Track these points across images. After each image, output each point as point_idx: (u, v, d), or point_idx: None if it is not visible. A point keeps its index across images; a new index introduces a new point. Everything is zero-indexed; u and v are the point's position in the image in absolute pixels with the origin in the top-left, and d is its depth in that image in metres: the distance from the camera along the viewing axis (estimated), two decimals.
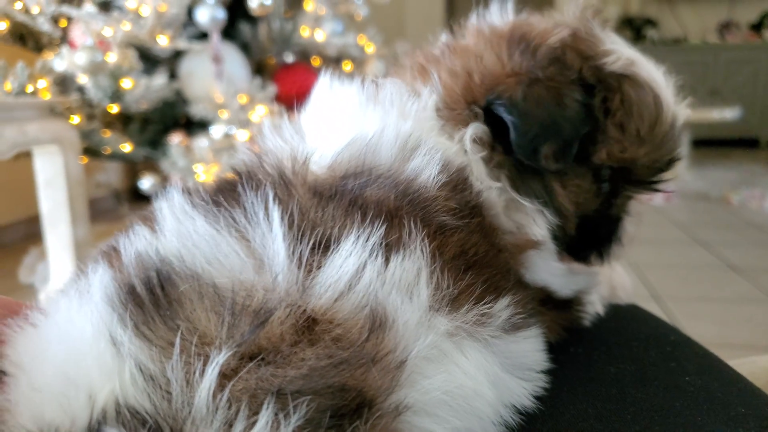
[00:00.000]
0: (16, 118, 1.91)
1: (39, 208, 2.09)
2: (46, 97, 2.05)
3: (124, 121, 2.34)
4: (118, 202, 3.92)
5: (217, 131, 2.19)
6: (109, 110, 2.20)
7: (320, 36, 2.66)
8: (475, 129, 0.55)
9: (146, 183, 2.36)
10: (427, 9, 6.56)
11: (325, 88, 0.61)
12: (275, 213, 0.41)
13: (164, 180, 2.38)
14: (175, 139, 2.26)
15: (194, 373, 0.33)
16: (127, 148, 2.31)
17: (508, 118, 0.54)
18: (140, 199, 2.98)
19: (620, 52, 0.59)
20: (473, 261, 0.47)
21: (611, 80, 0.57)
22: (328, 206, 0.44)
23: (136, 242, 0.40)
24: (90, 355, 0.33)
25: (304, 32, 2.61)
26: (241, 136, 2.19)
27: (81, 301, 0.36)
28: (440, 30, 0.67)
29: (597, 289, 0.69)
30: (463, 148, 0.54)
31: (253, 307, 0.36)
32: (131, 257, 0.39)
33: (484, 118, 0.56)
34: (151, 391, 0.32)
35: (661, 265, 2.87)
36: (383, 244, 0.41)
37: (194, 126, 2.37)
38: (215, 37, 2.26)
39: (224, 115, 2.21)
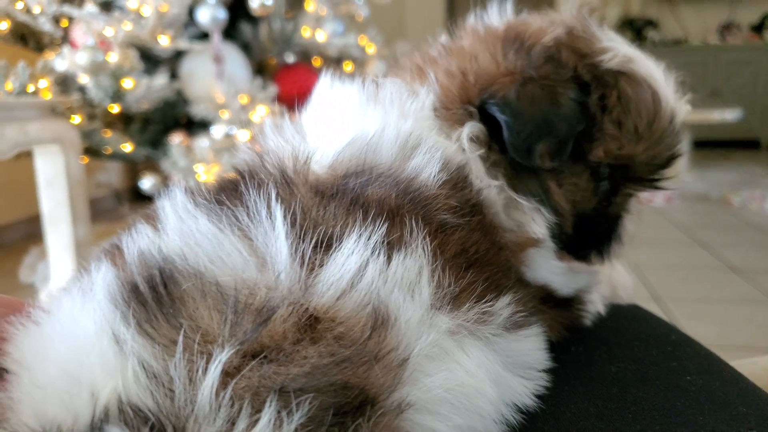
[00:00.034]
0: (17, 117, 1.91)
1: (40, 208, 2.10)
2: (47, 96, 2.06)
3: (125, 121, 2.34)
4: (119, 202, 3.92)
5: (217, 131, 2.19)
6: (110, 110, 2.21)
7: (321, 36, 2.66)
8: (472, 128, 0.55)
9: (147, 183, 2.36)
10: (427, 9, 6.57)
11: (326, 88, 0.61)
12: (278, 211, 0.41)
13: (165, 180, 2.38)
14: (176, 139, 2.26)
15: (197, 371, 0.33)
16: (127, 148, 2.31)
17: (501, 117, 0.55)
18: (141, 199, 2.98)
19: (617, 50, 0.59)
20: (474, 259, 0.47)
21: (608, 77, 0.57)
22: (329, 205, 0.44)
23: (139, 241, 0.40)
24: (93, 352, 0.33)
25: (305, 32, 2.62)
26: (242, 136, 2.19)
27: (84, 299, 0.37)
28: (441, 30, 0.67)
29: (598, 288, 0.69)
30: (461, 146, 0.54)
31: (256, 306, 0.36)
32: (134, 255, 0.39)
33: (480, 117, 0.56)
34: (153, 389, 0.32)
35: (661, 266, 2.87)
36: (385, 242, 0.42)
37: (195, 126, 2.37)
38: (216, 37, 2.26)
39: (225, 115, 2.21)
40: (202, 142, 2.19)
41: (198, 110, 2.29)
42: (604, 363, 0.59)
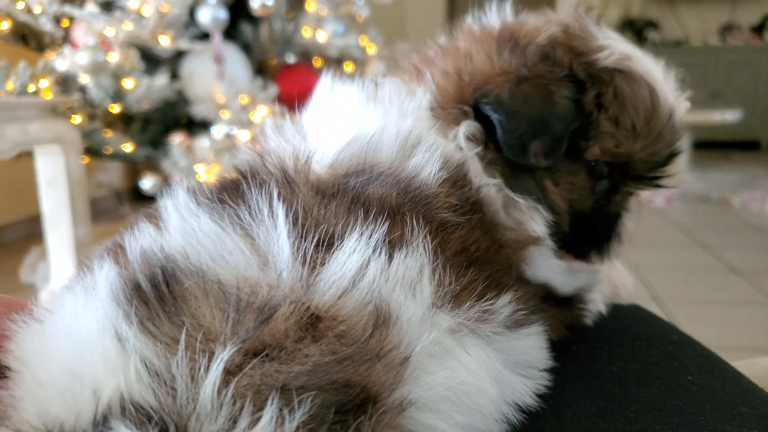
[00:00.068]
0: (18, 117, 1.91)
1: (40, 208, 2.10)
2: (48, 96, 2.06)
3: (126, 121, 2.34)
4: (119, 202, 3.93)
5: (218, 131, 2.20)
6: (110, 110, 2.21)
7: (322, 37, 2.66)
8: (468, 126, 0.56)
9: (147, 183, 2.37)
10: (428, 10, 6.57)
11: (326, 88, 0.61)
12: (280, 210, 0.41)
13: (165, 180, 2.38)
14: (177, 139, 2.26)
15: (199, 369, 0.33)
16: (128, 148, 2.31)
17: (494, 116, 0.55)
18: (141, 199, 2.98)
19: (614, 48, 0.59)
20: (475, 257, 0.47)
21: (604, 75, 0.57)
22: (330, 204, 0.44)
23: (142, 239, 0.40)
24: (95, 350, 0.33)
25: (306, 33, 2.62)
26: (243, 136, 2.20)
27: (86, 297, 0.37)
28: (441, 31, 0.67)
29: (599, 288, 0.69)
30: (459, 145, 0.55)
31: (258, 304, 0.36)
32: (136, 254, 0.39)
33: (475, 116, 0.56)
34: (156, 387, 0.32)
35: (661, 267, 2.87)
36: (386, 241, 0.42)
37: (195, 126, 2.38)
38: (217, 38, 2.26)
39: (225, 115, 2.22)
40: (202, 143, 2.19)
41: (198, 110, 2.29)
42: (605, 362, 0.59)
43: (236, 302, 0.35)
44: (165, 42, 2.23)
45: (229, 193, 0.45)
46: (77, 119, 2.17)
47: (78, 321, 0.35)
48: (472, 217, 0.49)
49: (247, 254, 0.39)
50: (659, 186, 0.63)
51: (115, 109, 2.19)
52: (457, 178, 0.51)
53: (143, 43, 2.20)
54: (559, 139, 0.55)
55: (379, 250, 0.41)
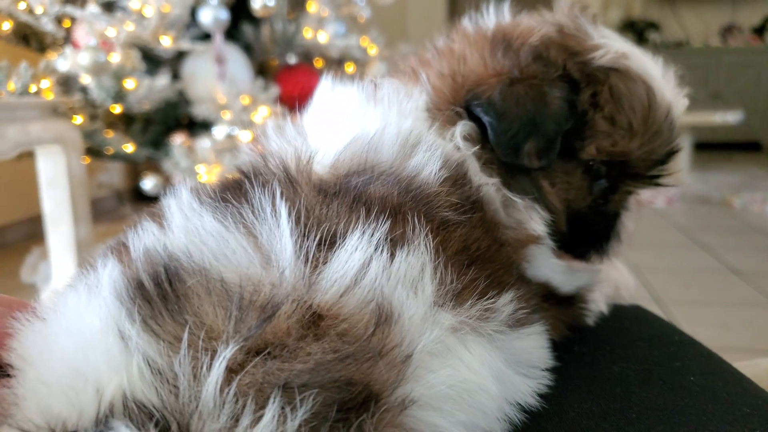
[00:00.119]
0: (19, 117, 1.91)
1: (41, 208, 2.10)
2: (49, 97, 2.06)
3: (127, 122, 2.34)
4: (120, 203, 3.93)
5: (219, 132, 2.20)
6: (111, 110, 2.21)
7: (323, 37, 2.67)
8: (464, 126, 0.56)
9: (148, 183, 2.37)
10: (429, 11, 6.58)
11: (327, 89, 0.62)
12: (282, 209, 0.41)
13: (166, 180, 2.38)
14: (178, 139, 2.26)
15: (201, 367, 0.33)
16: (129, 148, 2.32)
17: (485, 118, 0.55)
18: (142, 199, 2.98)
19: (610, 46, 0.59)
20: (476, 256, 0.47)
21: (598, 74, 0.57)
22: (332, 203, 0.44)
23: (145, 238, 0.40)
24: (98, 349, 0.33)
25: (307, 34, 2.62)
26: (244, 137, 2.20)
27: (90, 295, 0.37)
28: (442, 32, 0.67)
29: (600, 288, 0.69)
30: (457, 145, 0.55)
31: (260, 302, 0.36)
32: (140, 253, 0.39)
33: (470, 116, 0.57)
34: (158, 386, 0.32)
35: (662, 269, 2.87)
36: (388, 239, 0.42)
37: (197, 127, 2.38)
38: (218, 38, 2.26)
39: (227, 115, 2.22)
40: (203, 143, 2.19)
41: (200, 111, 2.29)
42: (607, 363, 0.59)
43: (239, 300, 0.36)
44: (166, 42, 2.23)
45: (232, 193, 0.45)
46: (78, 119, 2.17)
47: (81, 319, 0.35)
48: (472, 216, 0.49)
49: (250, 252, 0.39)
50: (659, 184, 0.63)
51: (117, 109, 2.19)
52: (457, 177, 0.51)
53: (144, 43, 2.21)
54: (553, 140, 0.55)
55: (380, 249, 0.41)
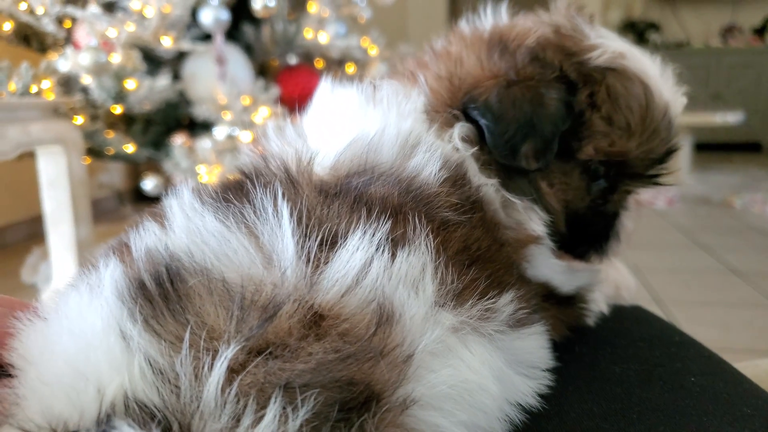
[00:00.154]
0: (20, 118, 1.91)
1: (42, 208, 2.10)
2: (50, 97, 2.06)
3: (128, 122, 2.34)
4: (121, 203, 3.93)
5: (220, 132, 2.20)
6: (112, 111, 2.21)
7: (323, 38, 2.67)
8: (462, 127, 0.56)
9: (149, 184, 2.37)
10: (429, 11, 6.58)
11: (327, 91, 0.62)
12: (284, 209, 0.41)
13: (167, 181, 2.38)
14: (178, 140, 2.26)
15: (203, 367, 0.33)
16: (130, 148, 2.32)
17: (482, 121, 0.55)
18: (143, 199, 2.99)
19: (607, 46, 0.59)
20: (476, 256, 0.47)
21: (595, 74, 0.57)
22: (333, 203, 0.44)
23: (146, 238, 0.40)
24: (99, 348, 0.33)
25: (308, 34, 2.62)
26: (244, 137, 2.20)
27: (91, 295, 0.37)
28: (443, 33, 0.68)
29: (601, 288, 0.69)
30: (455, 146, 0.55)
31: (262, 302, 0.36)
32: (141, 252, 0.39)
33: (467, 118, 0.57)
34: (159, 386, 0.32)
35: (663, 269, 2.87)
36: (389, 239, 0.42)
37: (197, 127, 2.38)
38: (219, 39, 2.26)
39: (227, 116, 2.22)
40: (204, 144, 2.19)
41: (200, 111, 2.29)
42: (608, 363, 0.59)
43: (240, 300, 0.36)
44: (167, 43, 2.24)
45: (234, 193, 0.45)
46: (79, 120, 2.17)
47: (83, 319, 0.35)
48: (472, 216, 0.49)
49: (252, 252, 0.39)
50: (658, 183, 0.63)
51: (117, 109, 2.20)
52: (456, 178, 0.51)
53: (145, 44, 2.21)
54: (550, 141, 0.55)
55: (381, 249, 0.41)
